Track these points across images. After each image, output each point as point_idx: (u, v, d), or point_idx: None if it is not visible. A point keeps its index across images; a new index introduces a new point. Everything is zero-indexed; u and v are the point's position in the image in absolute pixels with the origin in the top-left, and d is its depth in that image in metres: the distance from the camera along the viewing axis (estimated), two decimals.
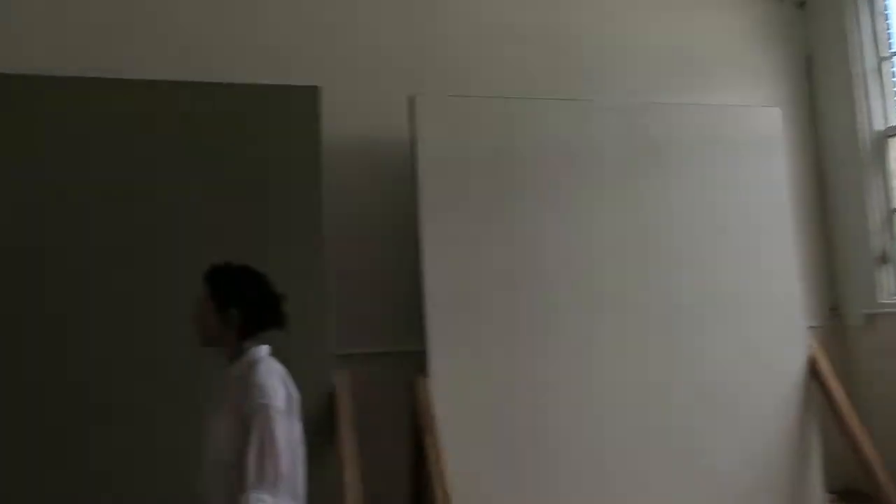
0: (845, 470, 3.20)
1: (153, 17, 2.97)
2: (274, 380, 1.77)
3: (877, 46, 3.60)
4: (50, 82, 2.56)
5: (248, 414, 1.70)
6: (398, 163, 2.96)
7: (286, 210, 2.66)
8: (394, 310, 2.98)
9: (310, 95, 2.74)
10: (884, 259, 3.50)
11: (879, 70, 3.58)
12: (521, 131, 3.01)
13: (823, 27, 3.75)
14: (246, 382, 1.75)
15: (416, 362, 2.76)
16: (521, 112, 3.03)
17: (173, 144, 2.62)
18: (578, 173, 3.05)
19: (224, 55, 2.97)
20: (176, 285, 2.39)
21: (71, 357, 2.43)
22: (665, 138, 3.18)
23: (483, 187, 2.92)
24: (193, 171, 2.61)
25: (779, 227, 3.26)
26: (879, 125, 3.55)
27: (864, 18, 3.60)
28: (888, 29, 3.59)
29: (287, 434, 1.75)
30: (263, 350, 1.84)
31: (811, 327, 3.33)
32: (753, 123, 3.32)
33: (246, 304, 1.82)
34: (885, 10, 3.60)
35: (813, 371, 3.16)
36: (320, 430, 2.46)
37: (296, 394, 1.85)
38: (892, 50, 3.56)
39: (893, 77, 3.55)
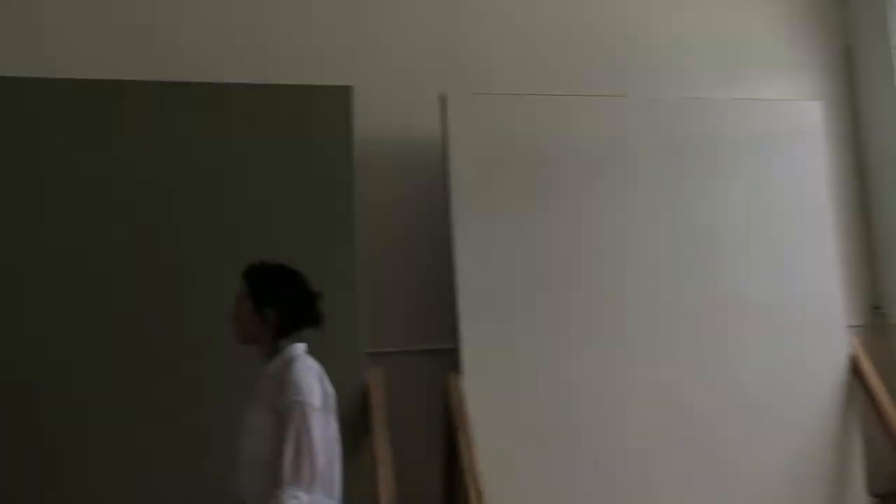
0: (888, 472, 3.12)
1: (185, 19, 3.01)
2: (310, 377, 1.79)
3: None
4: (84, 85, 2.62)
5: (284, 411, 1.72)
6: (430, 161, 2.96)
7: (319, 209, 2.68)
8: (426, 308, 2.98)
9: (342, 95, 2.76)
10: None
11: None
12: (554, 129, 2.98)
13: (864, 17, 3.65)
14: (282, 380, 1.77)
15: (448, 360, 2.76)
16: (553, 110, 3.00)
17: (207, 146, 2.65)
18: (612, 171, 3.01)
19: (256, 56, 3.01)
20: (211, 285, 2.45)
21: (103, 356, 2.47)
22: (700, 135, 3.13)
23: (515, 185, 2.91)
24: (227, 172, 2.64)
25: (819, 223, 3.18)
26: None
27: None
28: None
29: (323, 432, 1.76)
30: (300, 348, 1.86)
31: (852, 326, 3.25)
32: (793, 118, 3.25)
33: (282, 303, 1.84)
34: None
35: (854, 370, 3.09)
36: (353, 428, 2.47)
37: (332, 391, 1.86)
38: None
39: None
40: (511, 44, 3.30)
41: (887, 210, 3.54)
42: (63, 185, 2.55)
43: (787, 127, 3.23)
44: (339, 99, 2.75)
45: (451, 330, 2.75)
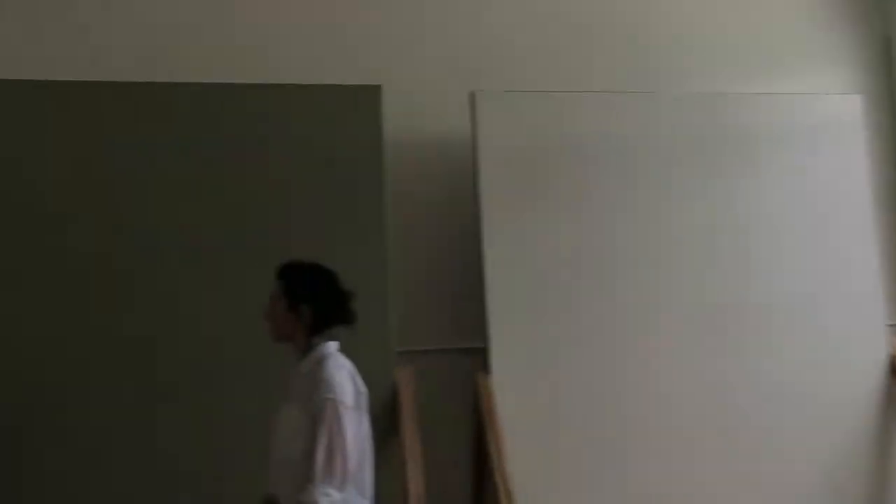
0: None
1: (217, 20, 3.04)
2: (342, 375, 1.79)
3: None
4: (120, 87, 2.67)
5: (317, 409, 1.72)
6: (460, 159, 2.95)
7: (349, 209, 2.69)
8: (456, 307, 2.97)
9: (372, 95, 2.76)
10: None
11: None
12: (585, 125, 2.95)
13: None
14: (314, 378, 1.77)
15: (477, 359, 2.75)
16: (584, 106, 2.97)
17: (238, 145, 2.67)
18: (644, 168, 2.97)
19: (284, 56, 3.02)
20: (240, 285, 2.48)
21: (132, 356, 2.51)
22: (735, 130, 3.06)
23: (545, 183, 2.88)
24: (258, 172, 2.66)
25: (858, 219, 3.10)
26: None
27: None
28: None
29: (356, 430, 1.76)
30: (332, 346, 1.86)
31: (892, 325, 3.16)
32: (832, 111, 3.17)
33: (316, 301, 1.84)
34: None
35: (894, 371, 3.00)
36: (382, 427, 2.46)
37: (364, 390, 1.86)
38: None
39: None
40: (540, 40, 3.27)
41: None
42: (107, 181, 2.60)
43: (825, 121, 3.15)
44: (368, 98, 2.75)
45: (481, 329, 2.74)
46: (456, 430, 2.80)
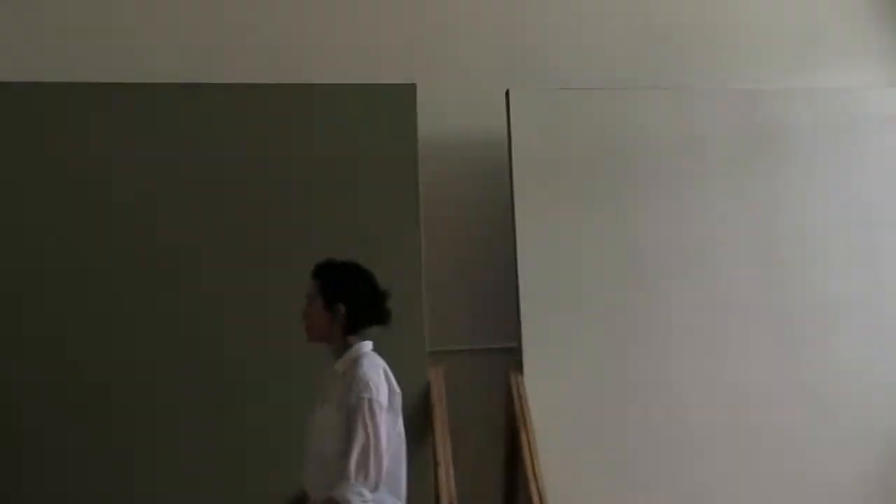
0: None
1: (248, 21, 3.07)
2: (378, 375, 1.78)
3: None
4: (150, 89, 2.71)
5: (352, 409, 1.72)
6: (494, 158, 2.93)
7: (383, 208, 2.69)
8: (489, 306, 2.96)
9: (406, 93, 2.76)
10: None
11: None
12: (621, 123, 2.92)
13: None
14: (350, 377, 1.77)
15: (510, 359, 2.74)
16: (620, 103, 2.93)
17: (272, 146, 2.70)
18: (681, 165, 2.92)
19: (319, 56, 3.04)
20: (275, 283, 2.50)
21: (167, 357, 2.56)
22: (777, 126, 3.00)
23: (580, 181, 2.85)
24: (292, 171, 2.69)
25: None
26: None
27: None
28: None
29: (390, 429, 1.76)
30: (367, 345, 1.86)
31: None
32: (877, 106, 3.08)
33: (352, 300, 1.84)
34: None
35: None
36: (414, 427, 2.46)
37: (398, 390, 1.86)
38: None
39: None
40: (575, 37, 3.24)
41: None
42: (132, 183, 2.64)
43: (871, 116, 3.07)
44: (403, 97, 2.76)
45: (514, 328, 2.72)
46: (488, 431, 2.79)
